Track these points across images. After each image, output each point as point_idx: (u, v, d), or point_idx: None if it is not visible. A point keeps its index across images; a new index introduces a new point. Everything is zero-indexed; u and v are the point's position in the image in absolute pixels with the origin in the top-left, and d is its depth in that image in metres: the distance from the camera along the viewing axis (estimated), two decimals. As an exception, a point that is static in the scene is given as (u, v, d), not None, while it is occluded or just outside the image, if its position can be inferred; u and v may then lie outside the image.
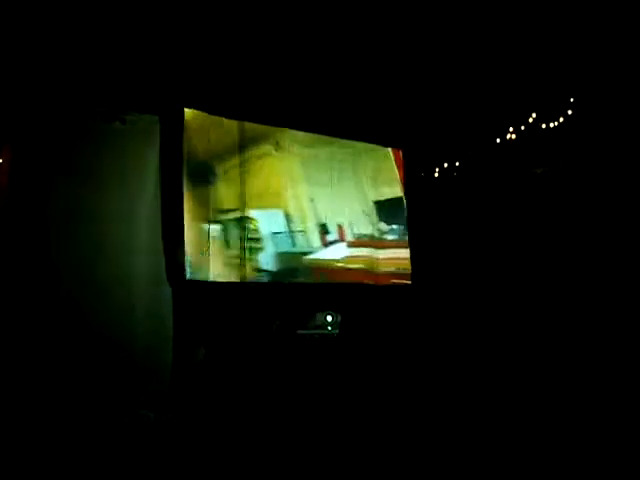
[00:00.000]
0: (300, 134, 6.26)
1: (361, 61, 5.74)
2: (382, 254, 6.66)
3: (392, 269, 6.70)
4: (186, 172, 5.39)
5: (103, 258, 4.75)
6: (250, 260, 5.71)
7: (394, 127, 6.68)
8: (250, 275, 5.69)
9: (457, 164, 6.87)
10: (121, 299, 4.79)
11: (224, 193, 5.66)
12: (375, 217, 6.72)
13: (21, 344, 4.24)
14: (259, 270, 5.78)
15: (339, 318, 5.91)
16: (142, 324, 4.85)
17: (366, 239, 6.61)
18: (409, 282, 6.73)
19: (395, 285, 6.64)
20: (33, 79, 4.53)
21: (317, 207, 6.31)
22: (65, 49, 4.62)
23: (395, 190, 6.90)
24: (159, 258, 5.05)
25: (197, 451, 3.69)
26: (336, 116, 6.26)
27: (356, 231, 6.55)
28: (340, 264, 6.37)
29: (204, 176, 5.55)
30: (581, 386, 4.55)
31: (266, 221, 5.90)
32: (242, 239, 5.67)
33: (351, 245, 6.49)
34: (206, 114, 5.58)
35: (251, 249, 5.73)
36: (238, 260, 5.62)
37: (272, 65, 5.56)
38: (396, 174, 6.93)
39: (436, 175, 7.05)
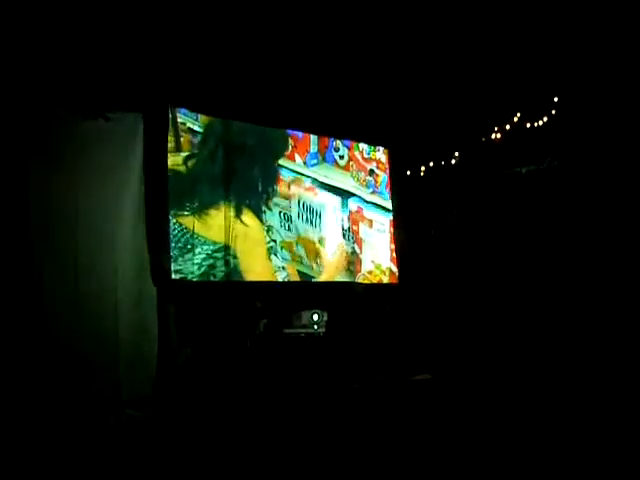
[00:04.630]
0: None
1: (348, 61, 5.75)
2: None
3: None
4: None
5: (86, 256, 4.69)
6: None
7: (381, 126, 6.69)
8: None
9: (443, 163, 6.91)
10: (106, 298, 4.74)
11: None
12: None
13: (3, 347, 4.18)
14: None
15: (325, 317, 5.91)
16: (127, 324, 4.81)
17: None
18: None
19: (381, 284, 6.66)
20: (17, 76, 4.46)
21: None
22: (50, 46, 4.56)
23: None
24: (144, 257, 5.00)
25: (183, 451, 3.67)
26: (324, 115, 6.26)
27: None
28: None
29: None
30: (568, 385, 4.62)
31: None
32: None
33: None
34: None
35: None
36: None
37: (259, 63, 5.54)
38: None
39: (422, 174, 7.09)
